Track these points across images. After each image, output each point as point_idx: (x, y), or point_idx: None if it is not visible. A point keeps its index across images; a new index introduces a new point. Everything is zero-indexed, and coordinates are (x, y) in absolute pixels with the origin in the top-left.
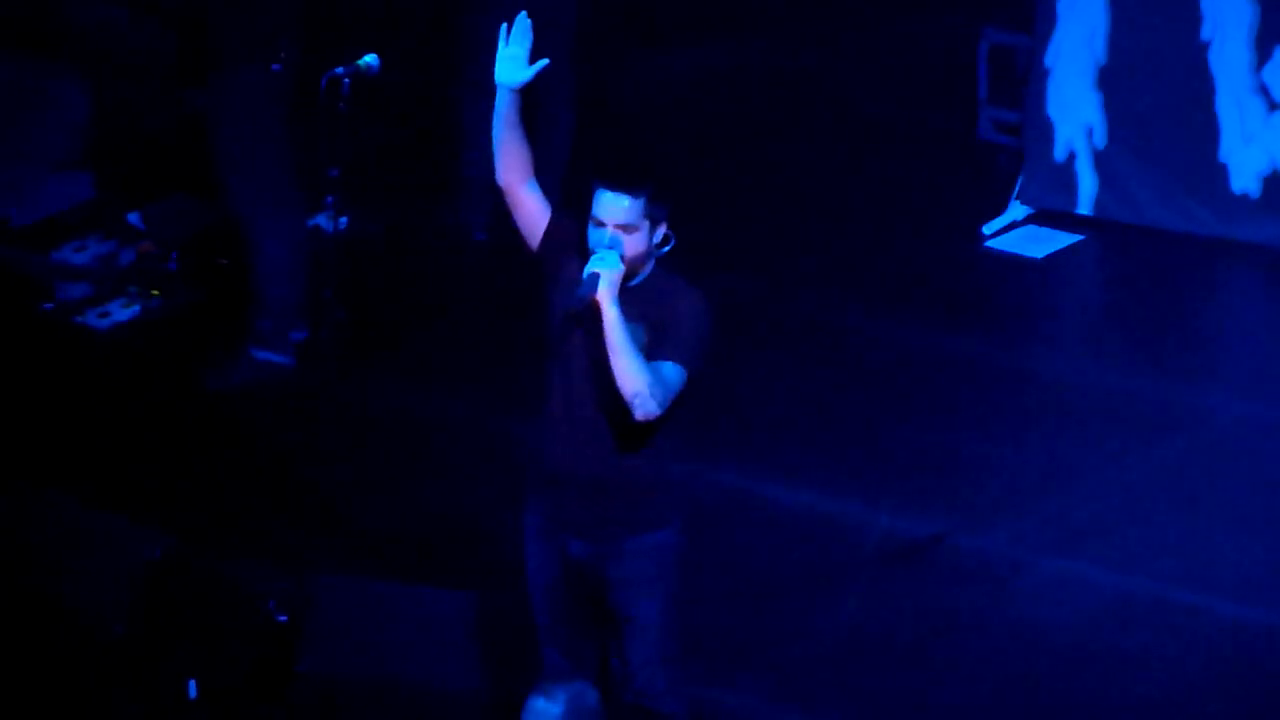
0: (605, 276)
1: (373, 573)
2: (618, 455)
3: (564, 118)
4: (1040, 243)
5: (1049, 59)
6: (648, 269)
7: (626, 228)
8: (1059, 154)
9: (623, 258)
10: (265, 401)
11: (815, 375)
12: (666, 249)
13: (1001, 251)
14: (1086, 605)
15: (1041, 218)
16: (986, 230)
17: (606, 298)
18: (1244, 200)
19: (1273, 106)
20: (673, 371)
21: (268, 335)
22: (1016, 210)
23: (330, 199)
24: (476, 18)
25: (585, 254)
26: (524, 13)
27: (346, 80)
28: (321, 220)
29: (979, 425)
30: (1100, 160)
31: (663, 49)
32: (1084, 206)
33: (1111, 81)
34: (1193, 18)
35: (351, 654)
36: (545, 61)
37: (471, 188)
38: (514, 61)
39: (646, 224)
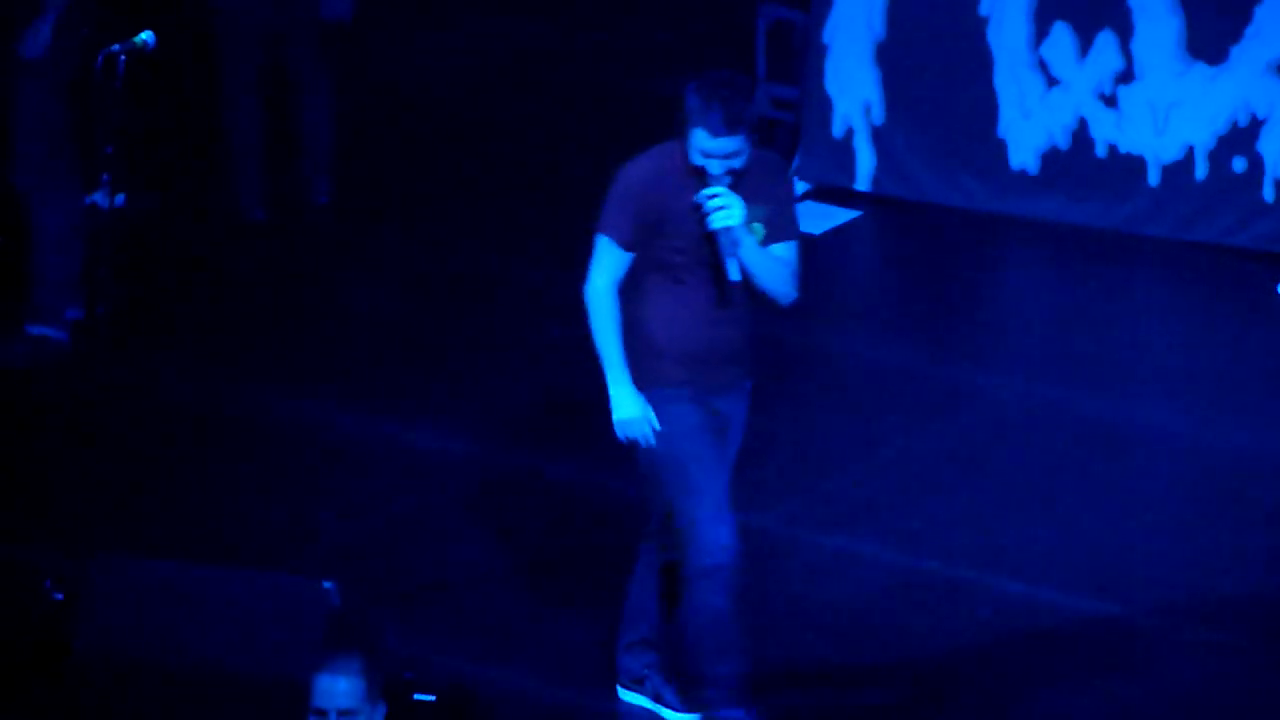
0: (737, 231)
1: (155, 553)
2: (747, 328)
3: (322, 104)
4: (818, 219)
5: (826, 35)
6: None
7: None
8: (837, 130)
9: (733, 181)
10: (41, 379)
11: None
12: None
13: None
14: (866, 583)
15: (820, 194)
16: None
17: (747, 244)
18: (1022, 176)
19: (1051, 83)
20: (794, 250)
21: (43, 310)
22: (795, 186)
23: (106, 176)
24: None
25: (678, 179)
26: None
27: (123, 57)
28: (98, 197)
29: (758, 404)
30: (878, 136)
31: (436, 28)
32: (862, 183)
33: (890, 58)
34: None
35: (132, 634)
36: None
37: (245, 168)
38: None
39: None
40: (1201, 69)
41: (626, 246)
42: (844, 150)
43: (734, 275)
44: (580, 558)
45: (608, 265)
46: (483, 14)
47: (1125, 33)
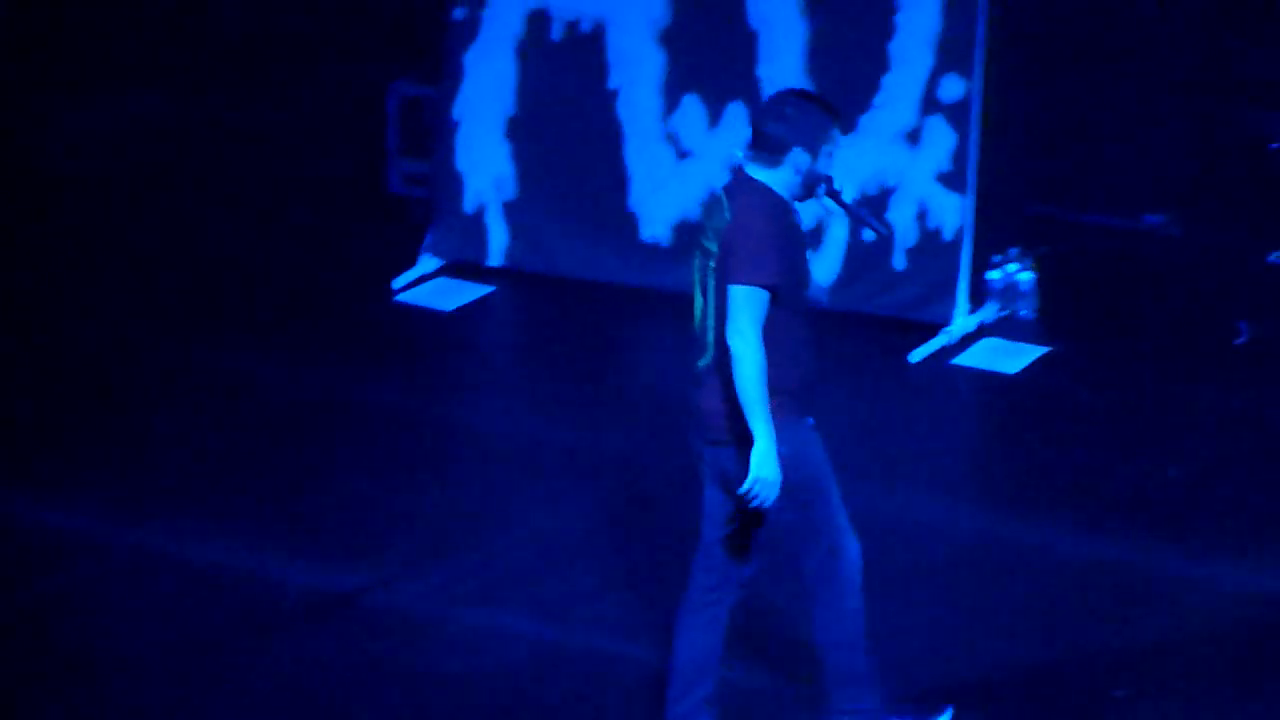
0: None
1: None
2: None
3: None
4: (451, 295)
5: (457, 111)
6: None
7: None
8: (469, 205)
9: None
10: None
11: (236, 428)
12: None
13: (413, 305)
14: (508, 655)
15: (453, 270)
16: (397, 284)
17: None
18: (655, 248)
19: (682, 154)
20: None
21: None
22: (428, 263)
23: None
24: None
25: (788, 213)
26: None
27: None
28: None
29: (401, 477)
30: (511, 211)
31: (85, 100)
32: (495, 258)
33: (521, 132)
34: (601, 66)
35: None
36: None
37: None
38: None
39: None
40: None
41: (772, 291)
42: (476, 226)
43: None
44: (225, 634)
45: (759, 315)
46: (113, 90)
47: (756, 104)
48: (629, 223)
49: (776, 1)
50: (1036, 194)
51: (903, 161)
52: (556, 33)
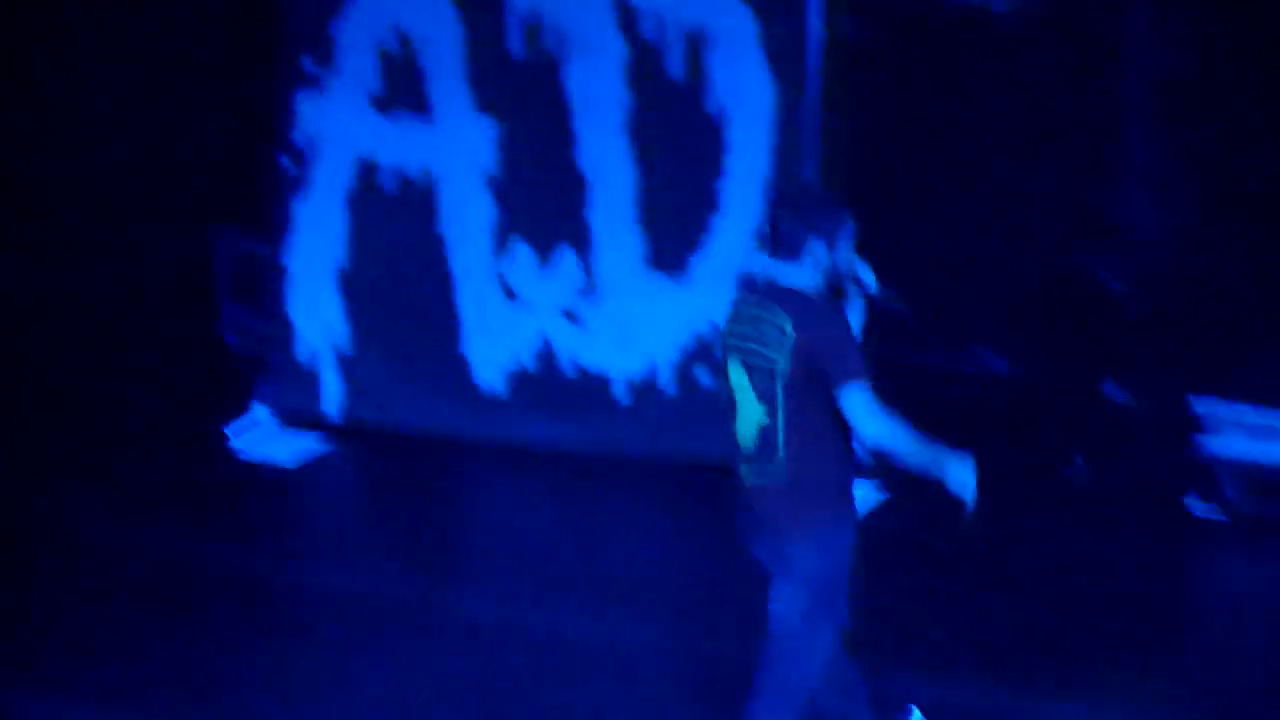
0: None
1: None
2: None
3: None
4: (285, 446)
5: (288, 263)
6: None
7: None
8: (301, 356)
9: None
10: None
11: (64, 588)
12: None
13: (247, 457)
14: None
15: (287, 421)
16: (231, 435)
17: None
18: (490, 397)
19: (513, 301)
20: None
21: None
22: (260, 414)
23: None
24: None
25: None
26: None
27: None
28: None
29: (237, 638)
30: (345, 361)
31: None
32: (332, 410)
33: (354, 282)
34: (431, 214)
35: None
36: None
37: None
38: None
39: None
40: (663, 282)
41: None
42: (311, 378)
43: None
44: None
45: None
46: None
47: (586, 248)
48: (463, 371)
49: (606, 147)
50: (871, 330)
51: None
52: (386, 182)
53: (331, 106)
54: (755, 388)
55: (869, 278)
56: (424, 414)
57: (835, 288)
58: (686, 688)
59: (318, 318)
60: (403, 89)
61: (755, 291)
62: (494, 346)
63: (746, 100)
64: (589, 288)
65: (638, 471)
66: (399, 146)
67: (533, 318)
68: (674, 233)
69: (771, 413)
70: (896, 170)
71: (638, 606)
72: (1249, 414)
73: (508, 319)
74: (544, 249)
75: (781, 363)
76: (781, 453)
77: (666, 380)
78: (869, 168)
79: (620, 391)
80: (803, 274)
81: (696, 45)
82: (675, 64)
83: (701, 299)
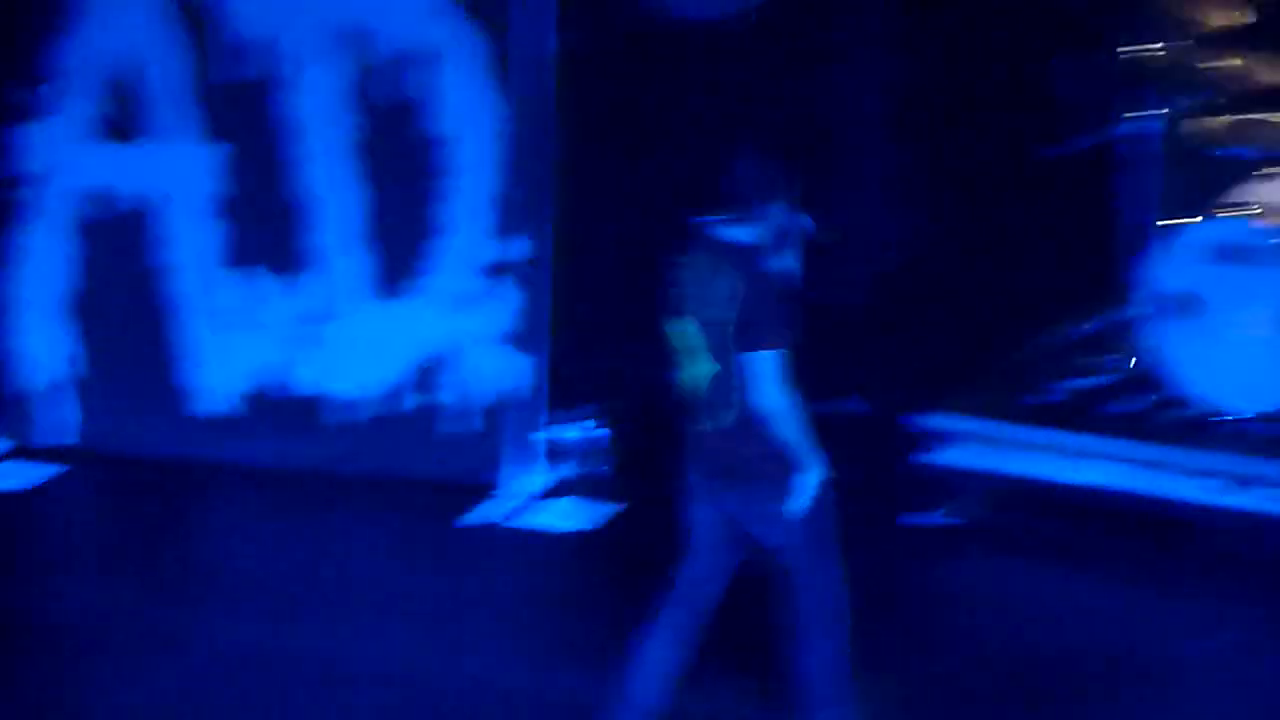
0: None
1: None
2: None
3: None
4: (21, 477)
5: (16, 290)
6: None
7: None
8: (34, 385)
9: None
10: None
11: None
12: None
13: None
14: None
15: (23, 452)
16: None
17: None
18: (221, 420)
19: (244, 324)
20: None
21: None
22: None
23: None
24: None
25: None
26: None
27: None
28: None
29: None
30: (76, 388)
31: None
32: (67, 437)
33: (84, 308)
34: (158, 239)
35: None
36: None
37: None
38: None
39: None
40: (394, 304)
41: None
42: (45, 406)
43: None
44: None
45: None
46: None
47: (317, 271)
48: (196, 396)
49: (333, 169)
50: (609, 349)
51: (463, 326)
52: (110, 209)
53: (52, 135)
54: (709, 342)
55: (809, 225)
56: (155, 439)
57: (781, 242)
58: (431, 704)
59: (46, 346)
60: (126, 115)
61: (707, 250)
62: (225, 371)
63: (474, 118)
64: (318, 310)
65: (370, 490)
66: (123, 173)
67: (262, 340)
68: (403, 255)
69: (726, 363)
70: (625, 182)
71: (379, 623)
72: (976, 426)
73: (237, 342)
74: (273, 272)
75: (732, 318)
76: (738, 394)
77: (398, 400)
78: (598, 180)
79: (352, 412)
80: (751, 232)
81: (423, 64)
82: (402, 83)
83: (432, 321)
